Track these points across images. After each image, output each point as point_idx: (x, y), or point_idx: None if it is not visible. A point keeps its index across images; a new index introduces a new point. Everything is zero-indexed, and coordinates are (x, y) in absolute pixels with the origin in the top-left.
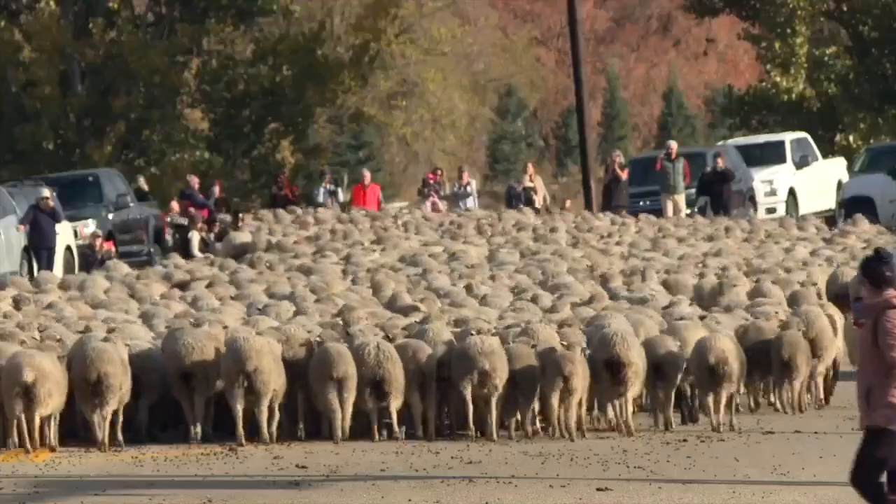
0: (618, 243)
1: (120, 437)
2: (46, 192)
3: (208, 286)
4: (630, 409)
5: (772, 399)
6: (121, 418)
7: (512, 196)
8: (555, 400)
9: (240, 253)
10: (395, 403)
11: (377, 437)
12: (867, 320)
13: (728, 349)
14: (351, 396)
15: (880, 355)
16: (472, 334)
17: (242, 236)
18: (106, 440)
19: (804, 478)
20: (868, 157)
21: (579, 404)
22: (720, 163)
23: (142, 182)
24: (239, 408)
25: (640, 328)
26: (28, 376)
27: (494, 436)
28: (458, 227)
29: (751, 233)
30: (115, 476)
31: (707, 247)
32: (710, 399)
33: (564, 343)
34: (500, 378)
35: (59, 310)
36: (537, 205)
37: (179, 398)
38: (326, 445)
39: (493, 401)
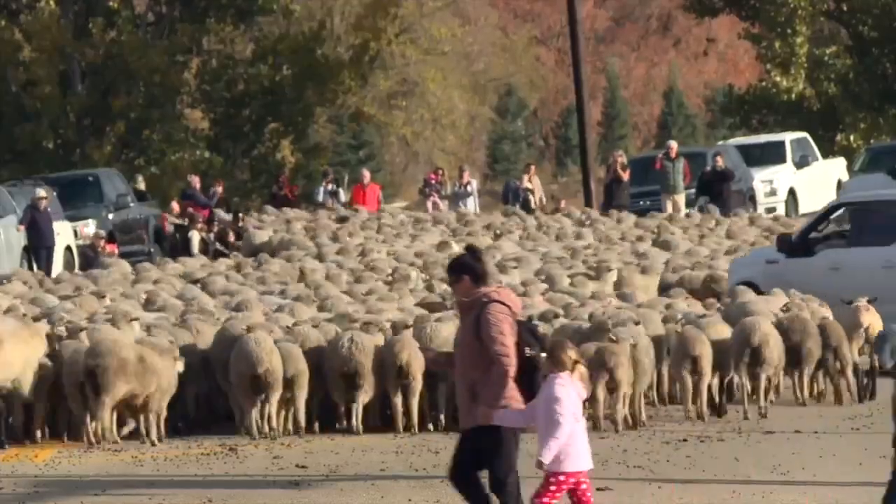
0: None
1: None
2: (42, 192)
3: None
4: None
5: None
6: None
7: (509, 192)
8: (601, 392)
9: (258, 252)
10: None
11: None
12: (466, 316)
13: (771, 332)
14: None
15: (482, 351)
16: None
17: (261, 235)
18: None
19: (804, 478)
20: (868, 156)
21: (628, 398)
22: (720, 162)
23: (140, 182)
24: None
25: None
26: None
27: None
28: (466, 224)
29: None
30: (115, 476)
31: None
32: (750, 385)
33: (614, 338)
34: None
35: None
36: (533, 205)
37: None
38: (326, 445)
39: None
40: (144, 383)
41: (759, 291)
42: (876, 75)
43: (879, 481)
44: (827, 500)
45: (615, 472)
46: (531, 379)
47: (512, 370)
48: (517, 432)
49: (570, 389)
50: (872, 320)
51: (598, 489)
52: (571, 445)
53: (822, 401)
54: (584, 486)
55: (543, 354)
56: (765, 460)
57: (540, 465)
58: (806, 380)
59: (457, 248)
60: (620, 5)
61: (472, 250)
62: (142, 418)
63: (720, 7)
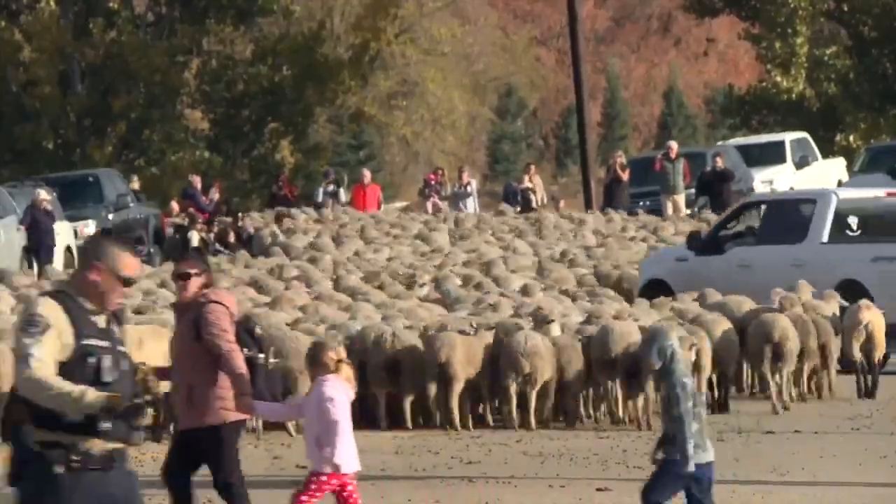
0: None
1: None
2: (43, 193)
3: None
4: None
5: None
6: None
7: (509, 193)
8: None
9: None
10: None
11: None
12: (183, 318)
13: (789, 327)
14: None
15: (202, 352)
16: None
17: (300, 239)
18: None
19: (804, 478)
20: (868, 156)
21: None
22: (719, 162)
23: (134, 181)
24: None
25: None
26: None
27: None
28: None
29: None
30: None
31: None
32: (772, 378)
33: None
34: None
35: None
36: (535, 205)
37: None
38: None
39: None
40: None
41: (669, 289)
42: (876, 75)
43: (879, 481)
44: (827, 500)
45: (615, 473)
46: (251, 380)
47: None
48: (240, 431)
49: (339, 390)
50: (873, 318)
51: (597, 489)
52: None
53: (808, 399)
54: (350, 489)
55: (262, 355)
56: (765, 460)
57: (337, 468)
58: (785, 377)
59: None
60: (620, 5)
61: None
62: None
63: (720, 7)
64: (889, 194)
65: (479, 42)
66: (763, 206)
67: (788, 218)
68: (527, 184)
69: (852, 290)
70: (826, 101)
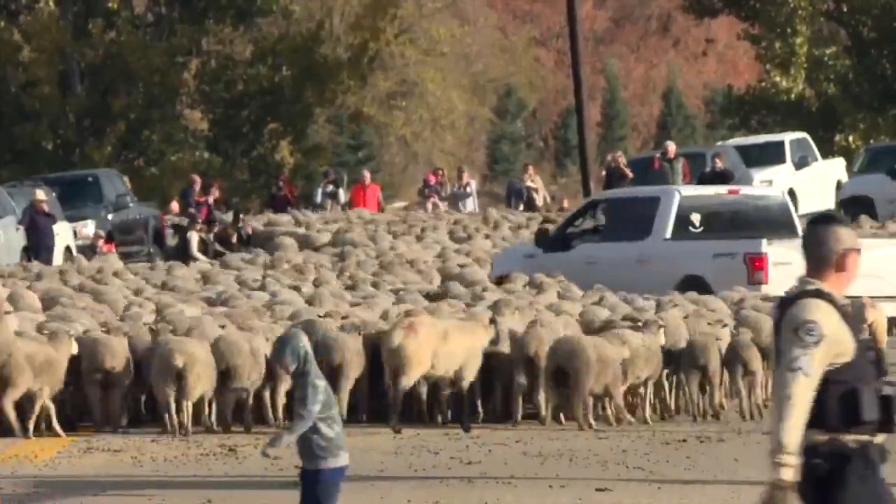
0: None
1: None
2: (41, 194)
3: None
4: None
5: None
6: None
7: (512, 192)
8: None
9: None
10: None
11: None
12: None
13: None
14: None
15: None
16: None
17: (323, 237)
18: None
19: None
20: (868, 157)
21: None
22: (718, 163)
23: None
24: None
25: None
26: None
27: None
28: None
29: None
30: (115, 476)
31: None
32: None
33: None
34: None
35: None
36: (538, 203)
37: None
38: None
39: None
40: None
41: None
42: (876, 75)
43: None
44: None
45: (615, 473)
46: None
47: None
48: None
49: None
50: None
51: (597, 489)
52: None
53: None
54: None
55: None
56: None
57: None
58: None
59: None
60: (620, 6)
61: None
62: None
63: (720, 7)
64: (731, 192)
65: (478, 42)
66: (607, 204)
67: (633, 215)
68: (529, 183)
69: (694, 286)
70: (825, 101)
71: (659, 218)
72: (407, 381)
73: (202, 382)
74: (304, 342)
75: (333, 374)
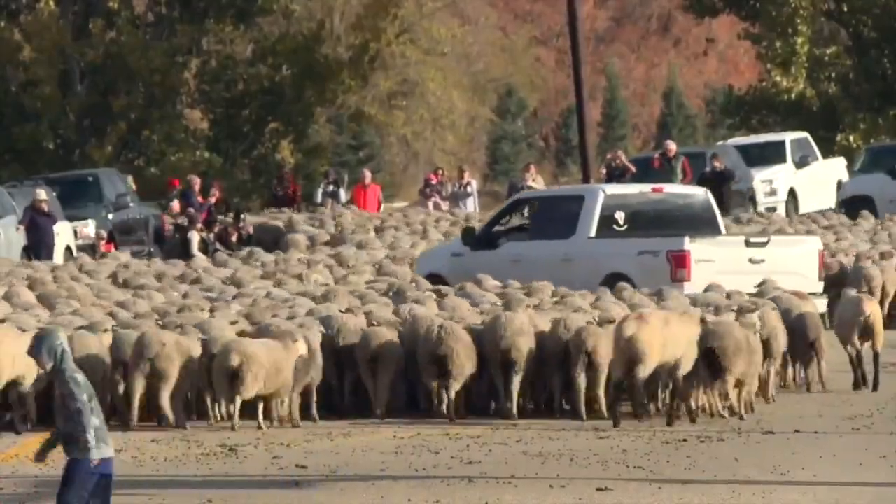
0: None
1: None
2: (42, 193)
3: None
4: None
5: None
6: None
7: (513, 191)
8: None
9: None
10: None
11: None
12: None
13: (779, 326)
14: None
15: None
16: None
17: (322, 237)
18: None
19: (804, 478)
20: (868, 156)
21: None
22: (717, 164)
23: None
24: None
25: None
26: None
27: None
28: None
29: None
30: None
31: None
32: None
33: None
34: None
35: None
36: None
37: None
38: (326, 445)
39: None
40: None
41: (445, 283)
42: (876, 75)
43: (879, 481)
44: (827, 500)
45: (615, 472)
46: None
47: None
48: None
49: None
50: (874, 310)
51: (597, 489)
52: None
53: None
54: None
55: None
56: (765, 460)
57: None
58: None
59: None
60: (620, 5)
61: None
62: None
63: (720, 7)
64: (655, 190)
65: (478, 42)
66: (533, 203)
67: (558, 214)
68: (530, 182)
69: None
70: (826, 100)
71: (583, 216)
72: (644, 371)
73: (258, 382)
74: (62, 340)
75: (370, 367)
